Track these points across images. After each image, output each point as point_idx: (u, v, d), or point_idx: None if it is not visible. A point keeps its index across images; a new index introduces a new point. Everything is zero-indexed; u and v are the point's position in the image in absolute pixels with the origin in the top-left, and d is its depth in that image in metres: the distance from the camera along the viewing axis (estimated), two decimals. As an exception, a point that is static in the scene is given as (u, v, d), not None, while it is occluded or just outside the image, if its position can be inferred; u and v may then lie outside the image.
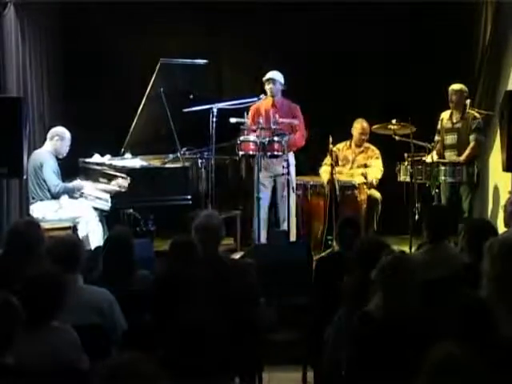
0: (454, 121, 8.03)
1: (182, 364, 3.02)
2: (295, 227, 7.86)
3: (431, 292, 3.92)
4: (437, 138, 8.09)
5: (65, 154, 7.53)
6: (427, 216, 5.41)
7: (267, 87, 7.87)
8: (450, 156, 7.93)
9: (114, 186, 7.34)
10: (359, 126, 8.36)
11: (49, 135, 7.51)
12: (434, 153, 7.85)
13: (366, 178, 8.12)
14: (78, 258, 4.41)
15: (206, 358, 3.11)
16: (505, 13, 8.19)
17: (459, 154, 7.88)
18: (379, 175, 8.21)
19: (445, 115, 8.12)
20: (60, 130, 7.54)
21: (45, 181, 7.30)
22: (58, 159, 7.49)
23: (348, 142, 8.45)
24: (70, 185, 7.52)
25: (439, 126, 8.13)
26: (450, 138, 8.02)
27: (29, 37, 8.15)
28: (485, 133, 8.29)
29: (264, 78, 7.90)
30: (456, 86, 7.95)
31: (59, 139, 7.45)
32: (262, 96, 7.86)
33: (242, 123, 7.68)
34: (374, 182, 8.17)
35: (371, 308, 3.62)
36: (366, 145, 8.43)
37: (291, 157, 7.83)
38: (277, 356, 5.28)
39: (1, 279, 4.28)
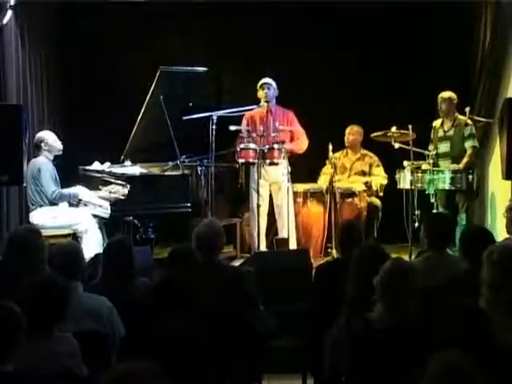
0: (446, 129, 8.03)
1: (180, 372, 3.02)
2: (295, 235, 7.85)
3: (431, 299, 3.92)
4: (431, 147, 8.08)
5: (61, 149, 7.49)
6: (427, 224, 5.41)
7: (262, 92, 7.88)
8: (445, 164, 7.93)
9: (113, 193, 7.34)
10: (348, 128, 8.40)
11: (34, 146, 7.45)
12: (426, 163, 7.85)
13: (370, 187, 8.12)
14: (79, 265, 4.42)
15: (205, 365, 3.11)
16: (504, 19, 8.21)
17: (453, 162, 7.88)
18: (384, 182, 8.22)
19: (437, 123, 8.12)
20: (39, 135, 7.46)
21: (43, 187, 7.29)
22: (55, 159, 7.47)
23: (345, 151, 8.48)
24: (67, 192, 7.50)
25: (432, 135, 8.13)
26: (443, 147, 8.02)
27: (29, 44, 8.16)
28: (484, 140, 8.31)
29: (258, 84, 7.93)
30: (445, 94, 7.94)
31: (45, 143, 7.42)
32: (262, 104, 7.88)
33: (242, 131, 7.71)
34: (380, 191, 8.17)
35: (373, 316, 3.62)
36: (363, 151, 8.44)
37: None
38: (276, 363, 5.27)
39: (1, 286, 4.27)
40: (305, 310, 5.16)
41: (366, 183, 8.16)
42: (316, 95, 8.90)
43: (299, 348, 5.21)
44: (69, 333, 3.70)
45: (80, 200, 7.54)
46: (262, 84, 7.92)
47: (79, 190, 7.57)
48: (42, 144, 7.42)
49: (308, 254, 7.11)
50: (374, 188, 8.15)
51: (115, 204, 7.20)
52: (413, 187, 7.63)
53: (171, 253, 4.76)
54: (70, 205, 7.52)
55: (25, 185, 7.17)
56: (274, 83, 7.93)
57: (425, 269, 4.86)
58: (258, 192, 7.59)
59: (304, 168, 8.39)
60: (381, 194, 8.20)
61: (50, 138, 7.47)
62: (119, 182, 7.34)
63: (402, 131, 7.77)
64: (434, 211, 7.73)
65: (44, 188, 7.29)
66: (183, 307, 3.75)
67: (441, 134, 8.06)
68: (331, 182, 7.88)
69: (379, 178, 8.25)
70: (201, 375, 3.07)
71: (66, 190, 7.49)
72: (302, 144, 7.96)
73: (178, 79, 7.74)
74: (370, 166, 8.38)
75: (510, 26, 8.15)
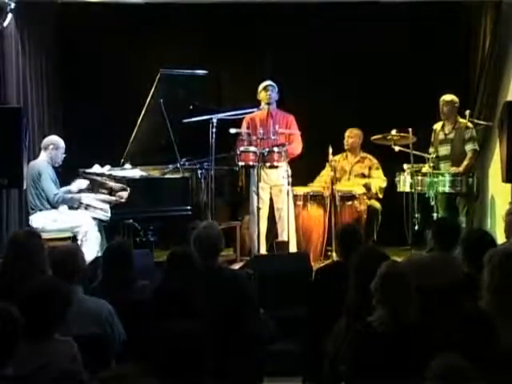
0: (447, 132, 8.04)
1: (179, 375, 3.02)
2: (295, 238, 7.85)
3: (432, 301, 3.92)
4: (431, 150, 8.10)
5: (60, 162, 7.52)
6: (437, 225, 5.41)
7: (265, 94, 7.88)
8: (446, 167, 7.94)
9: (113, 196, 7.34)
10: (347, 131, 8.41)
11: (43, 145, 7.49)
12: (427, 166, 7.85)
13: (369, 189, 8.12)
14: (78, 268, 4.41)
15: (204, 369, 3.10)
16: (504, 23, 8.22)
17: (454, 165, 7.89)
18: (383, 185, 8.21)
19: (437, 126, 8.13)
20: (54, 138, 7.53)
21: (43, 190, 7.30)
22: (54, 168, 7.49)
23: (344, 154, 8.47)
24: (70, 195, 7.51)
25: (433, 138, 8.14)
26: (444, 150, 8.03)
27: (29, 47, 8.18)
28: (484, 143, 8.31)
29: (261, 86, 7.93)
30: (447, 97, 7.95)
31: (54, 148, 7.44)
32: (262, 106, 7.88)
33: (242, 134, 7.72)
34: (379, 193, 8.17)
35: (373, 320, 3.62)
36: (362, 154, 8.44)
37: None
38: (276, 367, 5.26)
39: (1, 290, 4.27)
40: (304, 314, 5.15)
41: (365, 185, 8.16)
42: (316, 97, 8.89)
43: (299, 352, 5.20)
44: (69, 336, 3.70)
45: (81, 203, 7.54)
46: (265, 86, 7.91)
47: (82, 182, 7.58)
48: (51, 147, 7.42)
49: (308, 257, 7.12)
50: (374, 190, 8.15)
51: (115, 207, 7.19)
52: (413, 190, 7.63)
53: (170, 256, 4.76)
54: (70, 208, 7.52)
55: (24, 187, 7.17)
56: (276, 86, 7.94)
57: (430, 267, 4.86)
58: (258, 195, 7.59)
59: (304, 171, 8.38)
60: (380, 196, 8.20)
61: (60, 148, 7.48)
62: (119, 184, 7.34)
63: (402, 134, 7.78)
64: (420, 215, 7.72)
65: (45, 192, 7.28)
66: (183, 310, 3.75)
67: (441, 136, 8.07)
68: (331, 184, 7.87)
69: (378, 180, 8.25)
70: (200, 378, 3.07)
71: (68, 194, 7.49)
72: (294, 149, 7.94)
73: (178, 82, 7.73)
74: (370, 168, 8.37)
75: (510, 28, 8.16)
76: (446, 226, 5.25)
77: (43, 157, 7.46)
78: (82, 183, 7.66)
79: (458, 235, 5.16)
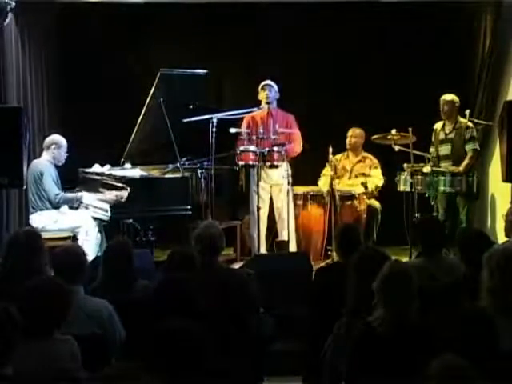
0: (447, 131, 8.04)
1: (180, 374, 3.02)
2: (295, 237, 7.85)
3: (429, 303, 3.92)
4: (432, 149, 8.10)
5: (63, 161, 7.54)
6: (418, 229, 5.40)
7: (263, 93, 7.90)
8: (446, 167, 7.93)
9: (113, 196, 7.33)
10: (350, 130, 8.41)
11: (45, 145, 7.50)
12: (427, 166, 7.84)
13: (366, 187, 8.12)
14: (82, 268, 4.41)
15: (205, 368, 3.10)
16: (504, 23, 8.22)
17: (454, 165, 7.89)
18: (380, 184, 8.21)
19: (438, 126, 8.13)
20: (56, 137, 7.54)
21: (45, 191, 7.30)
22: (57, 167, 7.50)
23: (345, 153, 8.47)
24: (71, 195, 7.51)
25: (433, 138, 8.14)
26: (444, 149, 8.03)
27: (29, 46, 8.18)
28: (484, 143, 8.31)
29: (260, 85, 7.95)
30: (447, 97, 7.96)
31: (56, 147, 7.45)
32: (262, 106, 7.88)
33: (242, 133, 7.72)
34: (375, 191, 8.17)
35: (373, 320, 3.61)
36: (364, 154, 8.44)
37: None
38: (276, 367, 5.26)
39: (1, 290, 4.27)
40: (305, 313, 5.15)
41: (362, 183, 8.16)
42: (316, 97, 8.90)
43: (299, 351, 5.20)
44: (69, 336, 3.70)
45: (81, 203, 7.54)
46: (263, 85, 7.94)
47: (82, 194, 7.57)
48: (53, 146, 7.43)
49: (308, 256, 7.12)
50: (370, 189, 8.14)
51: (115, 206, 7.19)
52: (413, 190, 7.63)
53: (170, 255, 4.76)
54: (71, 208, 7.52)
55: (25, 187, 7.17)
56: (275, 85, 7.96)
57: (420, 273, 4.85)
58: (258, 194, 7.59)
59: (304, 170, 8.38)
60: (375, 193, 8.19)
61: (63, 147, 7.49)
62: (119, 184, 7.34)
63: (402, 134, 7.78)
64: (424, 216, 7.70)
65: (47, 192, 7.29)
66: (183, 310, 3.75)
67: (442, 136, 8.07)
68: (331, 184, 7.87)
69: (375, 179, 8.24)
70: (200, 378, 3.07)
71: (69, 194, 7.50)
72: (295, 148, 7.96)
73: (178, 82, 7.73)
74: (370, 168, 8.37)
75: (510, 28, 8.16)
76: (430, 229, 5.21)
77: (46, 156, 7.46)
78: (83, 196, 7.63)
79: (443, 235, 5.16)
